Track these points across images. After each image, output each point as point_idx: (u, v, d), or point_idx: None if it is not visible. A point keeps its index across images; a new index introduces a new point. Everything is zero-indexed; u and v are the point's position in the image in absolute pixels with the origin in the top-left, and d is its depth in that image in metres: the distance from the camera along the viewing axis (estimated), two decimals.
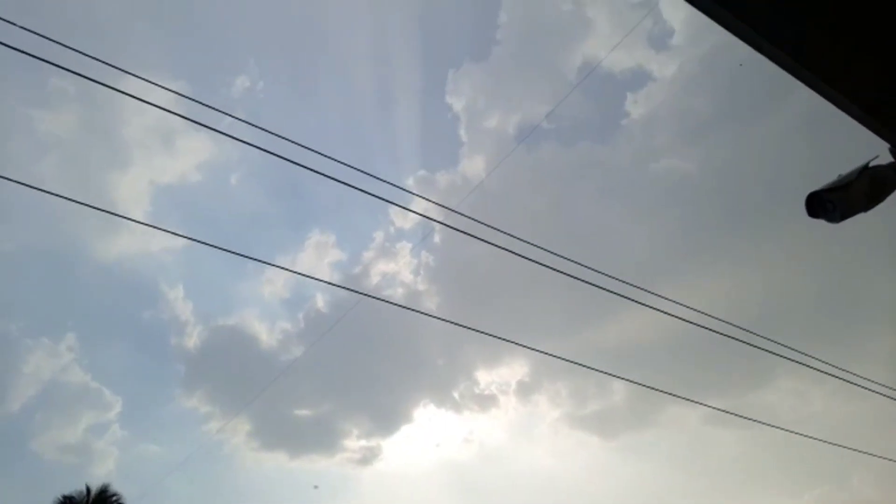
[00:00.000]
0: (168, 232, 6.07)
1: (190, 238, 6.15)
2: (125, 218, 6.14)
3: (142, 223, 6.09)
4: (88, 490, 34.23)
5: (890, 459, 15.94)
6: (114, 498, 34.50)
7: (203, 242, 6.24)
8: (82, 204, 5.33)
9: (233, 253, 6.31)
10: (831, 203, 2.67)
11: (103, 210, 5.57)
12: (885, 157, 2.74)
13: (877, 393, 10.69)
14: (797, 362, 9.98)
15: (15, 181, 5.00)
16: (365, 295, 8.11)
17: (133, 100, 5.16)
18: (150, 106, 5.23)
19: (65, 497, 33.59)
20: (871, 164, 2.71)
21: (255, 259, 6.67)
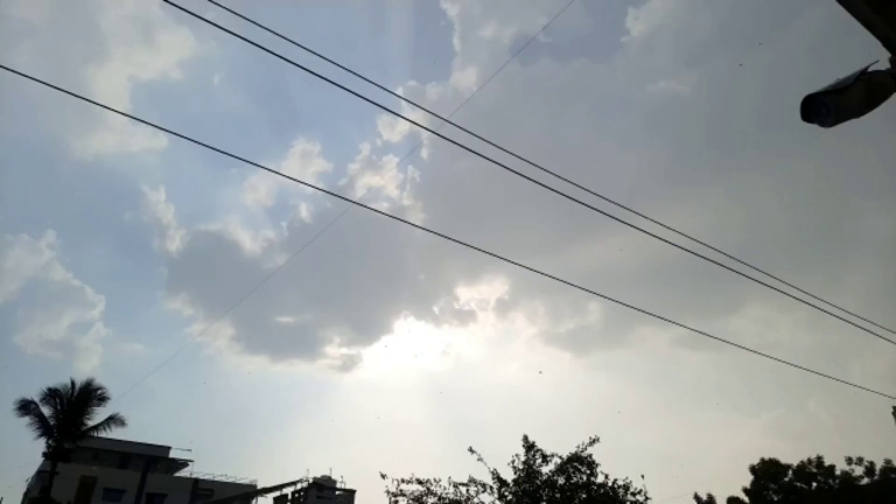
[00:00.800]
0: (150, 125, 5.91)
1: (172, 132, 6.00)
2: (107, 108, 5.94)
3: (124, 114, 5.91)
4: (73, 384, 35.18)
5: (845, 382, 16.65)
6: (98, 392, 35.52)
7: (188, 139, 6.11)
8: (62, 90, 5.14)
9: (217, 151, 6.19)
10: (825, 107, 2.63)
11: (83, 98, 5.39)
12: (884, 66, 2.68)
13: (843, 320, 11.02)
14: (771, 287, 10.20)
15: None
16: (351, 202, 8.06)
17: None
18: None
19: (50, 390, 34.58)
20: (870, 70, 2.65)
21: (241, 158, 6.56)
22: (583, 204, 8.03)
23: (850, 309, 11.58)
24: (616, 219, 8.50)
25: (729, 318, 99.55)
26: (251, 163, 6.81)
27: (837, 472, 23.96)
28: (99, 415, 35.41)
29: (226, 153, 6.43)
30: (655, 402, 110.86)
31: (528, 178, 7.36)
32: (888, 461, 23.84)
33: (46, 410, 34.13)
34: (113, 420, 35.63)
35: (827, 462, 24.40)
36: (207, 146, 6.23)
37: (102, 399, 35.33)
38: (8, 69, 5.06)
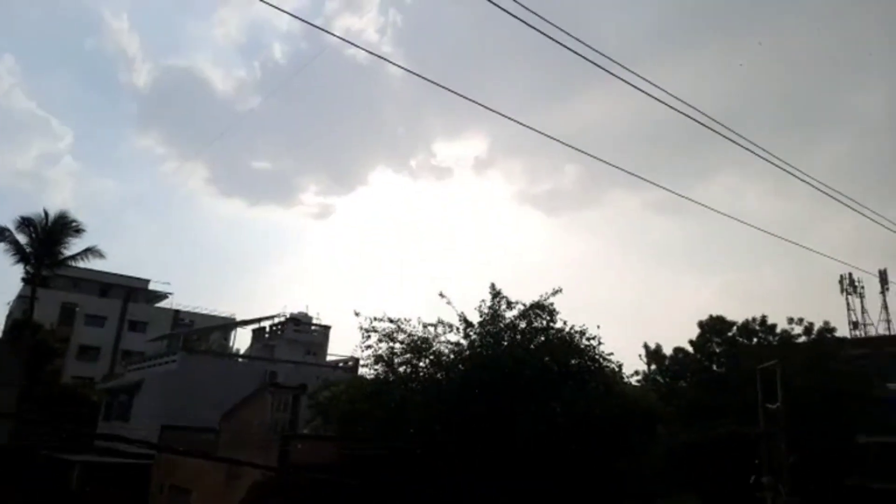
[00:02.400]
0: None
1: None
2: None
3: None
4: (46, 214, 35.08)
5: (799, 245, 17.44)
6: (73, 224, 35.55)
7: None
8: None
9: None
10: None
11: None
12: None
13: (806, 183, 11.31)
14: (744, 148, 10.31)
15: None
16: (330, 33, 7.65)
17: None
18: None
19: (23, 218, 34.49)
20: None
21: None
22: (571, 50, 7.76)
23: (818, 178, 11.89)
24: (605, 69, 8.28)
25: (701, 184, 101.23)
26: None
27: (778, 331, 25.90)
28: (76, 245, 35.71)
29: None
30: (622, 262, 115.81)
31: (518, 19, 7.01)
32: (826, 322, 25.80)
33: (21, 238, 34.28)
34: (91, 251, 35.98)
35: (770, 321, 26.29)
36: None
37: (78, 231, 35.41)
38: None
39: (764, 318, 26.25)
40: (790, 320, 25.47)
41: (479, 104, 8.71)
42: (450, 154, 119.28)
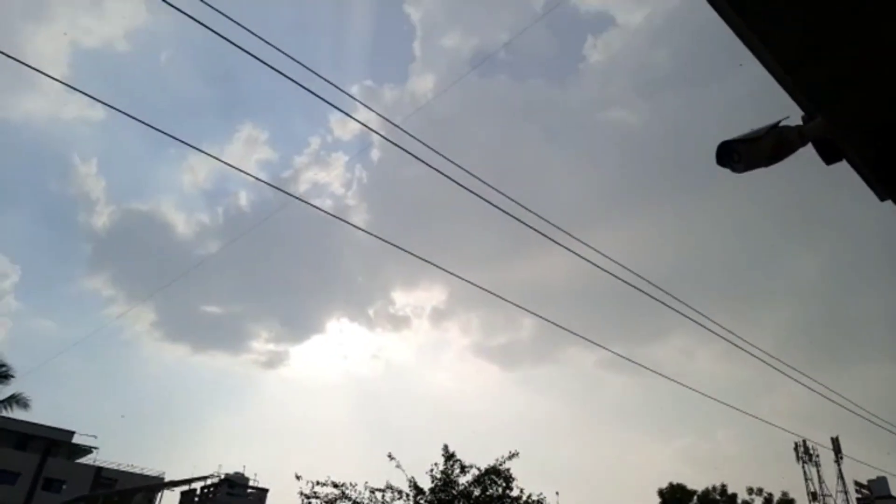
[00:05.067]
0: (86, 95, 5.67)
1: (110, 106, 5.78)
2: (42, 73, 5.66)
3: (60, 81, 5.64)
4: None
5: (753, 416, 17.59)
6: (1, 369, 33.31)
7: (124, 113, 5.89)
8: None
9: (156, 130, 5.99)
10: (738, 154, 2.86)
11: (15, 59, 5.10)
12: (796, 121, 2.92)
13: (755, 357, 11.66)
14: (691, 319, 10.69)
15: None
16: (293, 196, 7.97)
17: None
18: None
19: None
20: (781, 124, 2.89)
21: (180, 140, 6.37)
22: (521, 222, 8.21)
23: (765, 347, 12.30)
24: (552, 240, 8.73)
25: (654, 344, 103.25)
26: (186, 143, 6.63)
27: (738, 501, 25.19)
28: (1, 393, 33.18)
29: (161, 131, 6.22)
30: (577, 420, 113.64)
31: (471, 192, 7.48)
32: (785, 493, 25.29)
33: None
34: (15, 399, 33.38)
35: (730, 490, 25.63)
36: (142, 122, 6.02)
37: (6, 377, 33.08)
38: None
39: (724, 488, 25.63)
40: (749, 490, 25.01)
41: (432, 263, 8.95)
42: (408, 303, 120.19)
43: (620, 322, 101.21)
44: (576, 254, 9.02)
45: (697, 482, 27.49)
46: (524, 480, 17.32)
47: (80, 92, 5.61)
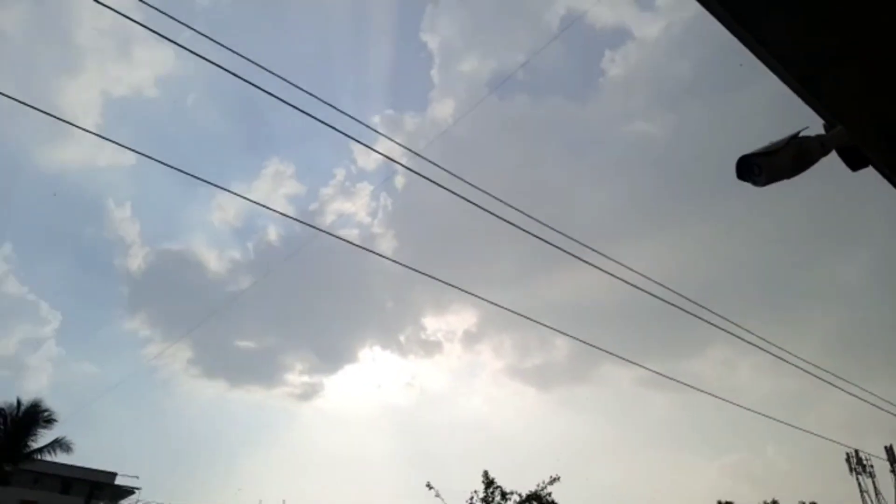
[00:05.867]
0: (119, 145, 5.89)
1: (141, 153, 6.00)
2: (74, 125, 5.91)
3: (92, 133, 5.88)
4: (19, 403, 33.72)
5: (805, 430, 17.01)
6: (45, 413, 34.10)
7: (154, 159, 6.09)
8: (28, 105, 5.11)
9: (185, 174, 6.18)
10: (758, 167, 2.82)
11: (51, 115, 5.36)
12: (816, 130, 2.89)
13: (800, 369, 11.32)
14: (731, 333, 10.46)
15: None
16: (320, 230, 8.10)
17: (88, 1, 4.92)
18: (106, 9, 4.99)
19: None
20: (801, 134, 2.85)
21: (209, 182, 6.56)
22: (548, 243, 8.20)
23: (810, 357, 11.94)
24: (581, 259, 8.68)
25: (693, 359, 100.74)
26: (214, 185, 6.81)
27: None
28: (44, 437, 34.04)
29: (189, 174, 6.42)
30: (618, 441, 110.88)
31: (494, 215, 7.51)
32: None
33: None
34: (59, 443, 34.26)
35: None
36: (172, 167, 6.22)
37: (49, 421, 34.02)
38: None
39: None
40: None
41: (460, 288, 8.96)
42: (439, 327, 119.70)
43: (656, 338, 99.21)
44: (605, 271, 8.95)
45: (748, 500, 26.59)
46: None
47: (112, 141, 5.83)
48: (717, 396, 13.46)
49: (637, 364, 11.72)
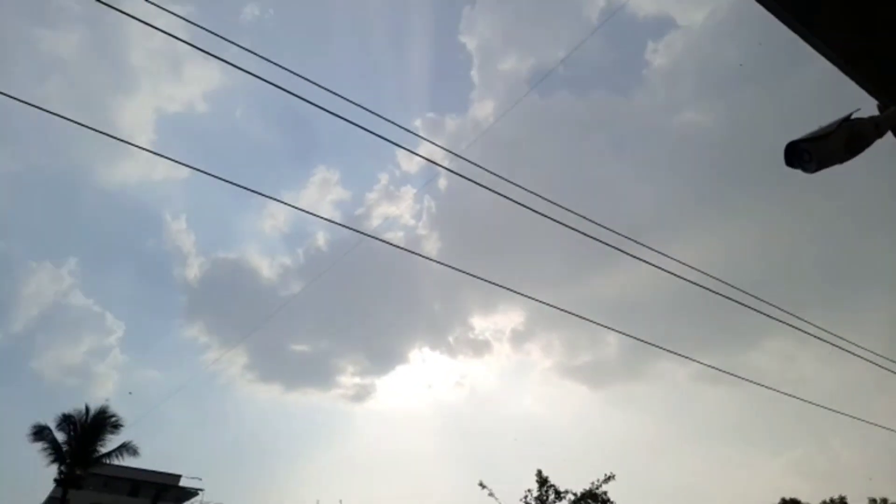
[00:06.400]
0: (173, 161, 6.15)
1: (194, 168, 6.24)
2: (130, 144, 6.20)
3: (147, 150, 6.15)
4: (88, 410, 35.41)
5: (873, 423, 16.28)
6: (112, 419, 35.66)
7: (207, 173, 6.33)
8: (87, 127, 5.39)
9: (237, 185, 6.40)
10: (808, 153, 2.71)
11: (108, 135, 5.64)
12: (868, 111, 2.77)
13: (863, 359, 10.87)
14: (787, 324, 10.13)
15: (21, 100, 5.05)
16: (367, 235, 8.23)
17: (139, 23, 5.15)
18: (156, 30, 5.23)
19: (64, 416, 34.78)
20: (853, 117, 2.73)
21: (259, 193, 6.77)
22: (596, 240, 8.11)
23: (875, 346, 11.41)
24: (630, 255, 8.56)
25: (750, 352, 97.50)
26: (263, 195, 7.02)
27: None
28: (112, 442, 35.56)
29: (240, 186, 6.64)
30: (675, 437, 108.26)
31: (540, 213, 7.47)
32: None
33: (60, 436, 34.32)
34: (125, 448, 35.72)
35: (850, 502, 23.68)
36: (223, 179, 6.45)
37: (116, 426, 35.51)
38: (35, 106, 5.34)
39: (843, 500, 23.70)
40: (872, 501, 22.94)
41: (507, 288, 8.94)
42: (487, 327, 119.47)
43: (712, 330, 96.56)
44: (655, 266, 8.79)
45: (814, 496, 25.59)
46: (623, 503, 16.73)
47: (166, 157, 6.09)
48: (775, 389, 13.01)
49: (688, 358, 11.45)
